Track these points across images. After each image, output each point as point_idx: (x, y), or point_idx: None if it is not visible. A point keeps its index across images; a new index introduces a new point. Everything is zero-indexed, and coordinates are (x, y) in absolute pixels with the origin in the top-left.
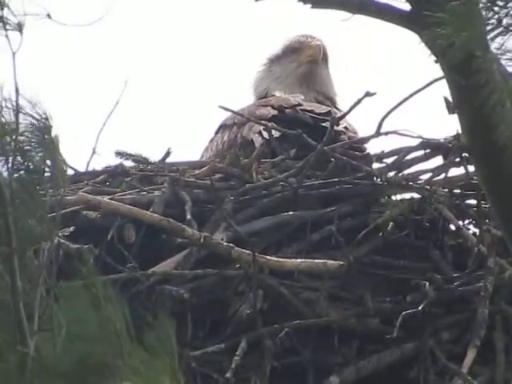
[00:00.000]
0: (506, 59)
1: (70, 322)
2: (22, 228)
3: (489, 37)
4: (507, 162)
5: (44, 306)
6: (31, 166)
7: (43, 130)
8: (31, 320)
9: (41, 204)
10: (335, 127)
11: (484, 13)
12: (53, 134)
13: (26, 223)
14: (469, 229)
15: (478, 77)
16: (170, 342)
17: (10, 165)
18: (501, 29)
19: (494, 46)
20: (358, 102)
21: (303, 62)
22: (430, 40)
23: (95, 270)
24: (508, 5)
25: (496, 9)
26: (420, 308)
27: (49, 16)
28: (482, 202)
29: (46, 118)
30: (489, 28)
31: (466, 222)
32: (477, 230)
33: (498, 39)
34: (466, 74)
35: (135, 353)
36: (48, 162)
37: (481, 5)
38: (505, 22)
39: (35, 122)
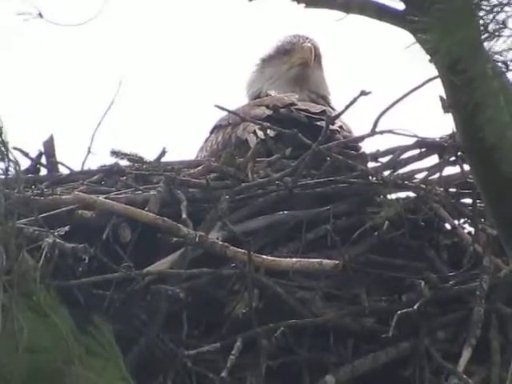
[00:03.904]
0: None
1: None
2: None
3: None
4: (502, 160)
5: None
6: None
7: None
8: None
9: None
10: (330, 126)
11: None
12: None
13: None
14: (464, 228)
15: (470, 77)
16: (110, 345)
17: None
18: (487, 34)
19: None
20: (354, 100)
21: (295, 64)
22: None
23: (37, 278)
24: (493, 10)
25: (481, 14)
26: (415, 307)
27: (40, 15)
28: (478, 201)
29: None
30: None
31: (462, 221)
32: (472, 229)
33: (485, 44)
34: (459, 73)
35: (84, 358)
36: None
37: (468, 11)
38: (491, 27)
39: None
